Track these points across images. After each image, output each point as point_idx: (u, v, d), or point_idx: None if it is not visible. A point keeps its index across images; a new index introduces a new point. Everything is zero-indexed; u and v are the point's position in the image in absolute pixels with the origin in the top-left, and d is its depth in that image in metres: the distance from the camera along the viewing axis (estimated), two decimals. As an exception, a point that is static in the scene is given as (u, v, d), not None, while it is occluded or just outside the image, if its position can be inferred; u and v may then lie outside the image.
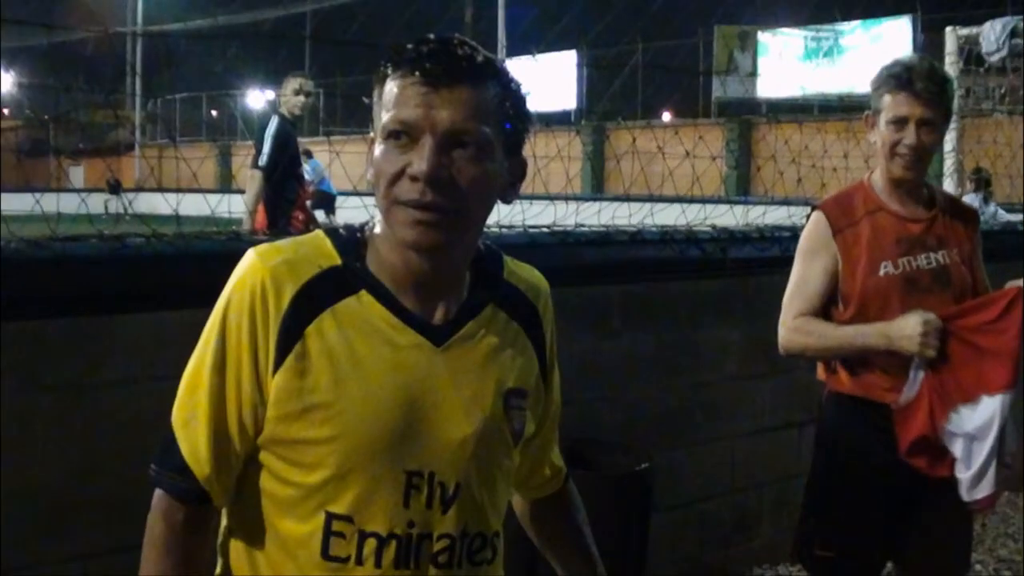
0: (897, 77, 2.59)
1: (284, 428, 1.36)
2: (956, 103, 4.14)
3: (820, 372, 2.80)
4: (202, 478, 1.38)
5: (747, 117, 23.40)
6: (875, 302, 2.61)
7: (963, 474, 2.55)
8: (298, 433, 1.35)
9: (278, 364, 1.34)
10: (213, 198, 4.07)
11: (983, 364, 2.53)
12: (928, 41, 19.48)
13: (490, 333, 1.44)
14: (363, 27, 29.94)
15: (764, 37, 24.31)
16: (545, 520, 1.71)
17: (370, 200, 1.45)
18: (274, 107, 7.23)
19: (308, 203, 7.67)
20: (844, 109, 18.87)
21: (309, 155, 13.27)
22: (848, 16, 22.33)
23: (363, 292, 1.38)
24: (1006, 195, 9.65)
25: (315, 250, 1.40)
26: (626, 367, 3.84)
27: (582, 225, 3.86)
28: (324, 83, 22.55)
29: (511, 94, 1.37)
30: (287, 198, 6.46)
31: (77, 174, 28.28)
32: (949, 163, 7.30)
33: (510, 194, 1.43)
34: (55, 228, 2.83)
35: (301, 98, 6.43)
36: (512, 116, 1.37)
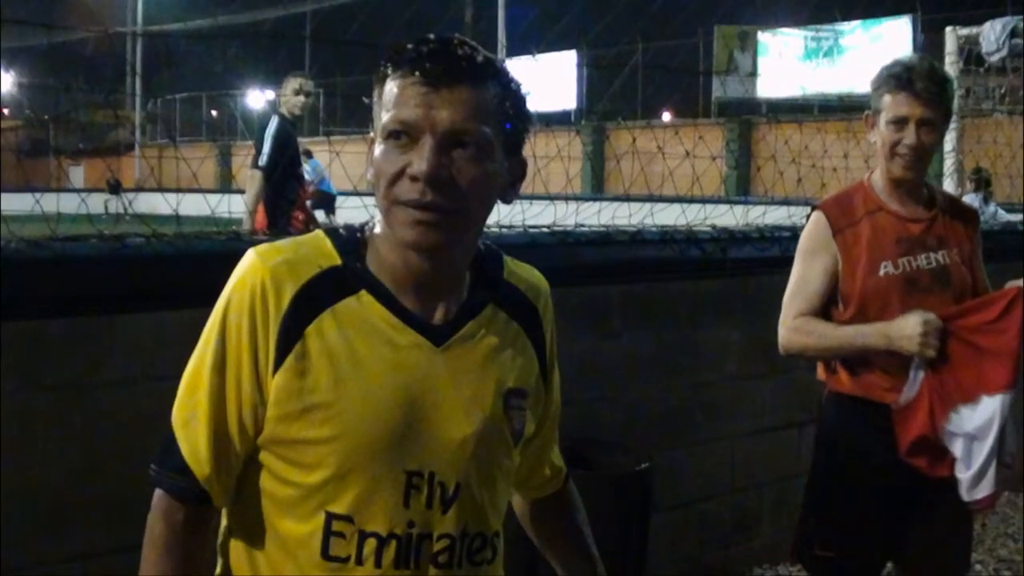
0: (897, 77, 2.59)
1: (284, 428, 1.36)
2: (956, 103, 4.13)
3: (820, 372, 2.80)
4: (202, 478, 1.38)
5: (747, 117, 23.40)
6: (875, 302, 2.61)
7: (963, 474, 2.55)
8: (298, 433, 1.35)
9: (278, 364, 1.34)
10: (213, 198, 4.07)
11: (983, 364, 2.53)
12: (928, 41, 19.48)
13: (490, 333, 1.44)
14: (363, 27, 29.92)
15: (764, 37, 24.31)
16: (545, 520, 1.71)
17: (370, 200, 1.45)
18: (274, 107, 7.23)
19: (308, 203, 7.67)
20: (844, 109, 18.86)
21: (309, 155, 13.26)
22: (848, 16, 22.32)
23: (363, 292, 1.38)
24: (1006, 195, 9.65)
25: (315, 250, 1.40)
26: (626, 367, 3.84)
27: (582, 225, 3.86)
28: (324, 83, 22.55)
29: (511, 94, 1.37)
30: (287, 198, 6.46)
31: (77, 174, 28.26)
32: (949, 163, 7.30)
33: (510, 194, 1.43)
34: (55, 228, 2.83)
35: (301, 98, 6.43)
36: (512, 116, 1.37)
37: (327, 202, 14.07)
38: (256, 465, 1.40)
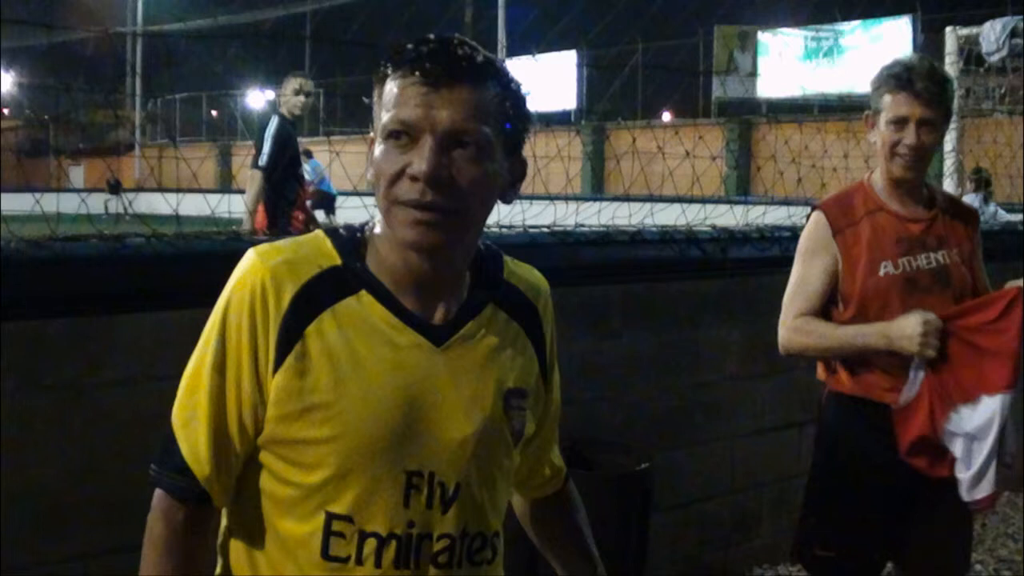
0: (897, 77, 2.59)
1: (284, 428, 1.36)
2: (956, 103, 4.13)
3: (820, 372, 2.80)
4: (202, 478, 1.38)
5: (747, 117, 23.39)
6: (875, 302, 2.61)
7: (963, 474, 2.55)
8: (298, 433, 1.35)
9: (278, 364, 1.34)
10: (213, 198, 4.07)
11: (983, 364, 2.53)
12: (928, 41, 19.49)
13: (490, 333, 1.44)
14: (363, 27, 29.79)
15: (764, 37, 24.33)
16: (545, 520, 1.71)
17: (370, 200, 1.45)
18: (274, 107, 7.22)
19: (308, 203, 7.67)
20: (844, 109, 18.84)
21: (309, 155, 13.27)
22: (848, 16, 22.32)
23: (363, 292, 1.38)
24: (1006, 195, 9.65)
25: (315, 250, 1.40)
26: (626, 367, 3.84)
27: (582, 225, 3.86)
28: (324, 83, 22.54)
29: (511, 94, 1.37)
30: (287, 198, 6.46)
31: (77, 174, 28.24)
32: (949, 163, 7.29)
33: (510, 194, 1.43)
34: (55, 228, 2.83)
35: (301, 98, 6.43)
36: (512, 116, 1.37)
37: (327, 202, 14.07)
38: (256, 465, 1.40)
